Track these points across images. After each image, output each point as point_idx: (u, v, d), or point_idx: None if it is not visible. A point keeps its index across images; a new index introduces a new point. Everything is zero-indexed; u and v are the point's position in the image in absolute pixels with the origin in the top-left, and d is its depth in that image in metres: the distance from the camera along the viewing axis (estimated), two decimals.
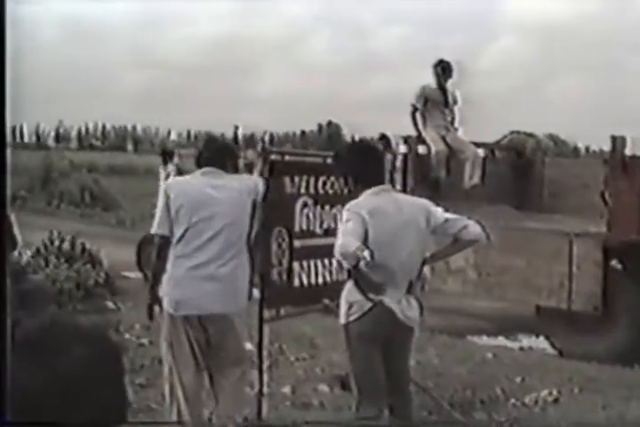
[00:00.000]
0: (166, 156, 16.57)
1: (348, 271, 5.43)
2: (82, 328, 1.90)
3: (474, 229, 5.46)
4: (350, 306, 5.39)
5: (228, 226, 5.80)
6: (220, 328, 5.86)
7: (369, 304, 5.33)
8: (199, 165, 6.06)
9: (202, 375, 6.09)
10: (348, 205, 5.38)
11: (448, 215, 5.53)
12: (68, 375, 1.76)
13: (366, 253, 4.94)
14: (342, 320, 5.46)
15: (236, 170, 6.22)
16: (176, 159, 16.65)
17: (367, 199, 5.40)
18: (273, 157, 6.41)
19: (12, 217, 3.38)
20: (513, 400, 7.70)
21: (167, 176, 16.06)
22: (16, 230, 3.38)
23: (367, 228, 5.21)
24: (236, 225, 5.83)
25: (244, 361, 6.04)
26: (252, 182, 6.00)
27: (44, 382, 1.73)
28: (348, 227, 5.21)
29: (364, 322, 5.35)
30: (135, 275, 13.79)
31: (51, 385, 1.74)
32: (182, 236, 5.81)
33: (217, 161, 6.01)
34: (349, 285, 5.43)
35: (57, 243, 12.36)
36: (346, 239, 5.11)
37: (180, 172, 16.62)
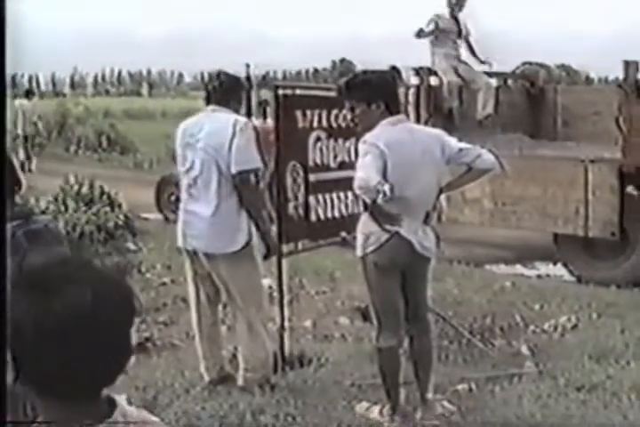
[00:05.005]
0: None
1: (364, 203, 5.36)
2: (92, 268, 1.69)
3: (487, 157, 5.45)
4: (367, 237, 5.37)
5: (208, 165, 5.79)
6: (216, 266, 5.92)
7: (386, 235, 5.31)
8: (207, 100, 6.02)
9: (215, 310, 6.20)
10: (364, 137, 5.29)
11: (462, 145, 5.51)
12: (64, 317, 1.58)
13: (386, 188, 4.89)
14: (359, 252, 5.45)
15: (240, 103, 6.10)
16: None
17: (384, 130, 5.31)
18: (283, 91, 6.41)
19: (14, 159, 3.44)
20: (532, 327, 7.75)
21: None
22: (19, 173, 3.44)
23: (385, 160, 5.16)
24: (216, 165, 5.77)
25: (256, 298, 6.01)
26: (232, 122, 5.78)
27: (37, 323, 1.57)
28: (367, 160, 5.15)
29: (381, 253, 5.34)
30: (154, 216, 13.89)
31: (44, 327, 1.58)
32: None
33: (221, 96, 5.93)
34: (365, 216, 5.41)
35: (76, 187, 12.41)
36: (365, 173, 5.05)
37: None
